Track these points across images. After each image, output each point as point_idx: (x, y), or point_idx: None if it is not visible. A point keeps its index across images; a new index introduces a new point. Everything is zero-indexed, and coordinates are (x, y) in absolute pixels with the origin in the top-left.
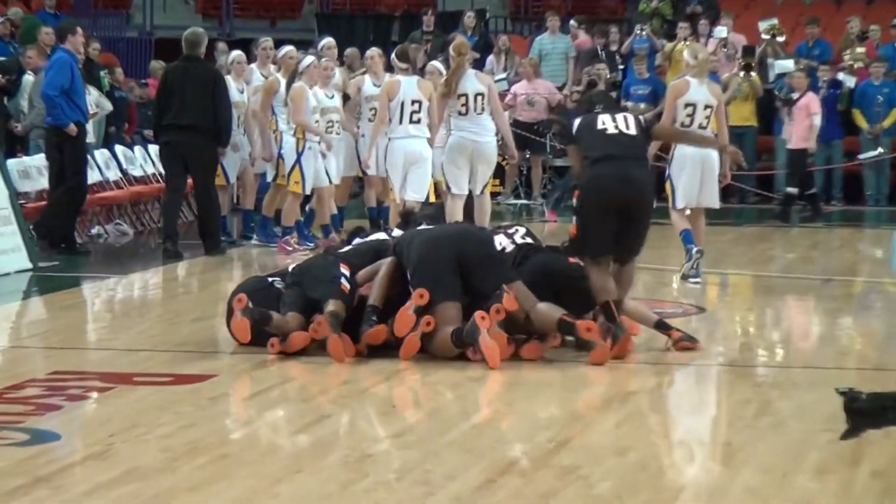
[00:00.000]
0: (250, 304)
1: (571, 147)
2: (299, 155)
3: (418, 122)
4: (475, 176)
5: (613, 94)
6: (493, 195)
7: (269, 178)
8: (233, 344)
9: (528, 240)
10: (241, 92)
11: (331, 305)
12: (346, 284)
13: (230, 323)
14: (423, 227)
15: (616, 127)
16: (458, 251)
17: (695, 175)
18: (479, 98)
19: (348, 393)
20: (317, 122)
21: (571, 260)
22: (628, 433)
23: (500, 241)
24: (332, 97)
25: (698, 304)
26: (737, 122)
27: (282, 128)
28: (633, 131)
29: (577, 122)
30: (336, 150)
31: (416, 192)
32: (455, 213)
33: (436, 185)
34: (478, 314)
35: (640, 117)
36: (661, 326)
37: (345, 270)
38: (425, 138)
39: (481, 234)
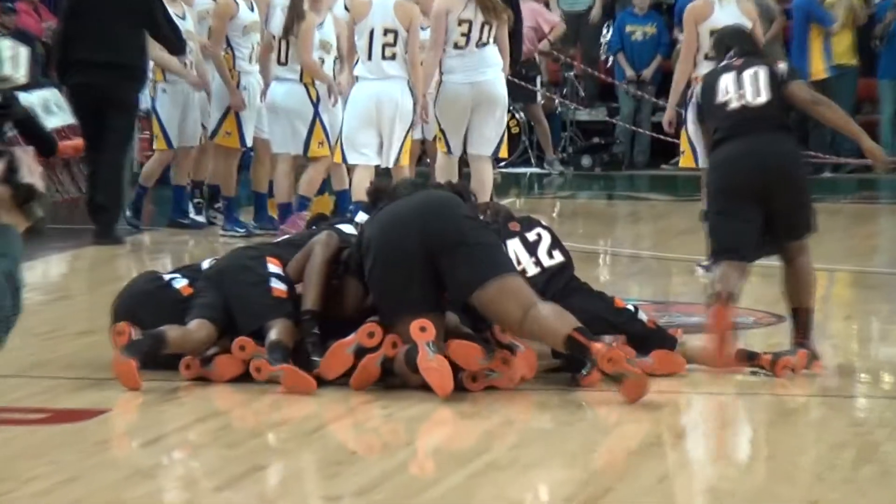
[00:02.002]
0: (134, 335)
1: (701, 126)
2: (316, 106)
3: (393, 57)
4: (478, 128)
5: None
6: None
7: (210, 133)
8: None
9: (559, 257)
10: (183, 18)
11: (273, 334)
12: (280, 287)
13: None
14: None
15: (741, 97)
16: (428, 235)
17: None
18: (486, 28)
19: (291, 434)
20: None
21: (619, 303)
22: (676, 490)
23: (516, 252)
24: (322, 25)
25: (775, 310)
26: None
27: (241, 67)
28: (762, 98)
29: (698, 87)
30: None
31: (391, 156)
32: (452, 174)
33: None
34: (415, 325)
35: (778, 68)
36: (746, 358)
37: (274, 267)
38: (405, 80)
39: (460, 209)
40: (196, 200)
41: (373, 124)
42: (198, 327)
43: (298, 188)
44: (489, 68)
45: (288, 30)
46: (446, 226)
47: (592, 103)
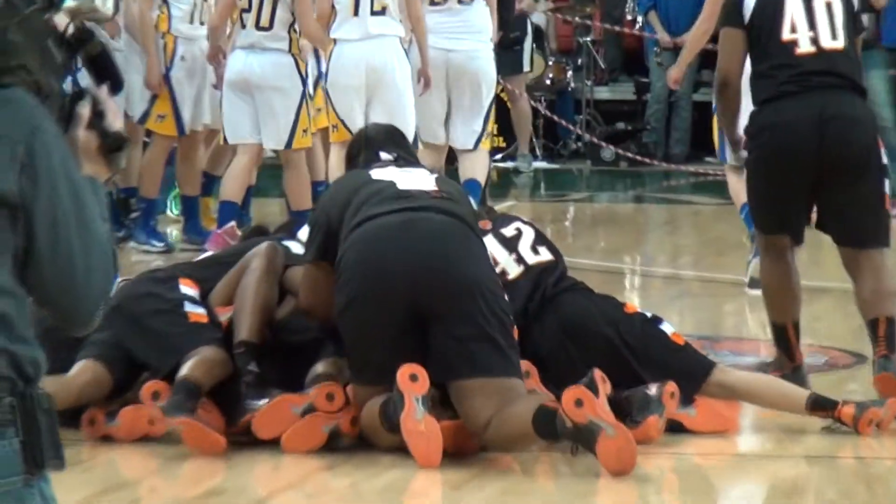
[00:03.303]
0: None
1: (730, 31)
2: (305, 84)
3: (383, 11)
4: (454, 113)
5: None
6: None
7: (139, 116)
8: None
9: (546, 254)
10: None
11: (184, 369)
12: (197, 311)
13: None
14: (381, 168)
15: (814, 39)
16: (417, 304)
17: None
18: None
19: None
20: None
21: (630, 308)
22: None
23: (494, 254)
24: None
25: (853, 348)
26: None
27: (179, 30)
28: (839, 41)
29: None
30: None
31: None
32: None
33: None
34: (404, 371)
35: None
36: (820, 406)
37: (188, 289)
38: (397, 38)
39: (467, 244)
40: (133, 215)
41: (360, 99)
42: (78, 371)
43: (291, 203)
44: (471, 35)
45: None
46: (443, 293)
47: (616, 77)
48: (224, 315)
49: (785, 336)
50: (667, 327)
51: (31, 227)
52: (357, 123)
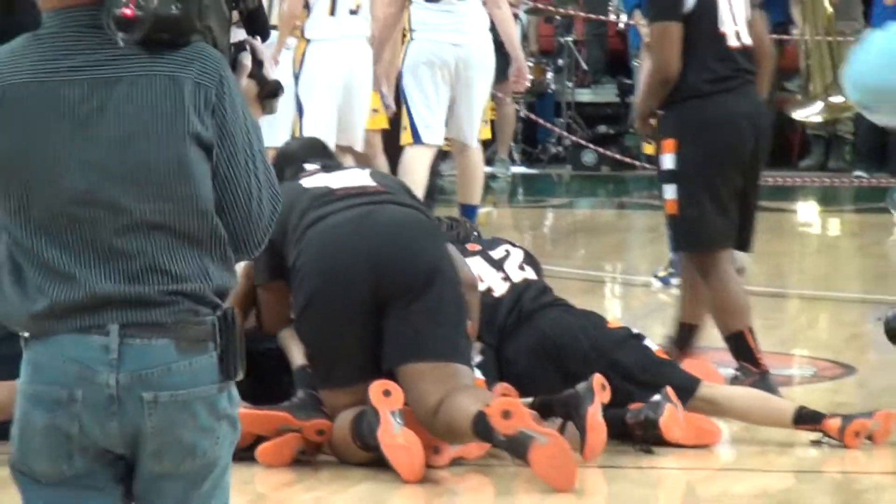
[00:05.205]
0: None
1: (671, 26)
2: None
3: (356, 10)
4: (459, 107)
5: None
6: None
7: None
8: None
9: (530, 273)
10: None
11: None
12: None
13: None
14: (310, 177)
15: (737, 30)
16: (380, 278)
17: None
18: None
19: None
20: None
21: (612, 324)
22: None
23: (481, 272)
24: None
25: (840, 359)
26: None
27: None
28: (750, 37)
29: None
30: None
31: (357, 140)
32: (417, 171)
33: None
34: (377, 387)
35: None
36: (806, 419)
37: None
38: (366, 38)
39: (427, 230)
40: None
41: (336, 98)
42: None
43: None
44: (474, 28)
45: None
46: (404, 278)
47: (598, 79)
48: None
49: (745, 343)
50: (650, 343)
51: (216, 161)
52: (331, 123)
